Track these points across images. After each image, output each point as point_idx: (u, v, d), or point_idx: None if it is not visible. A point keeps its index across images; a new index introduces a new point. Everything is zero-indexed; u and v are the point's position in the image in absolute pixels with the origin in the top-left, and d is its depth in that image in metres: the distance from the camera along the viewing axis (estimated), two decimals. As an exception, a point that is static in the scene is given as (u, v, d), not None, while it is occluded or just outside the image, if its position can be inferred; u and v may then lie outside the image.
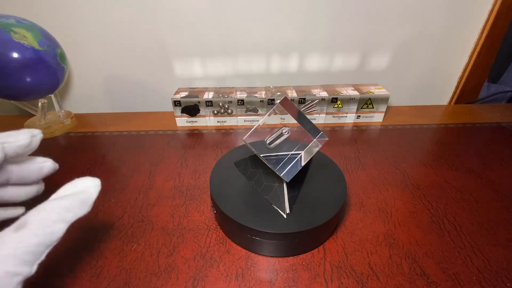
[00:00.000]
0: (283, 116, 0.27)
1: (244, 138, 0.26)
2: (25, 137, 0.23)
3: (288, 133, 0.28)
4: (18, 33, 0.43)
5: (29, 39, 0.44)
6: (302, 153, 0.27)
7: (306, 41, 0.57)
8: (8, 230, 0.17)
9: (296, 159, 0.27)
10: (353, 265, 0.27)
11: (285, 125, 0.28)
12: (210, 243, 0.29)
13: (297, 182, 0.30)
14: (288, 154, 0.27)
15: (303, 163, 0.27)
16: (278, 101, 0.27)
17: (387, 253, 0.28)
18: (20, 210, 0.26)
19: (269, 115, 0.27)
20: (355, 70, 0.62)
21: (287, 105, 0.27)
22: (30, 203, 0.23)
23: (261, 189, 0.29)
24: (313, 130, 0.28)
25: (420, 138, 0.48)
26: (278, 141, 0.28)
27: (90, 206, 0.21)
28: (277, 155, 0.27)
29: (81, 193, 0.20)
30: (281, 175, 0.26)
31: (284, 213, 0.26)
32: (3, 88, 0.43)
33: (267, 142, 0.28)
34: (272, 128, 0.28)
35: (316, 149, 0.28)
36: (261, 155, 0.26)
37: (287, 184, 0.28)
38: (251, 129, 0.27)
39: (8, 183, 0.24)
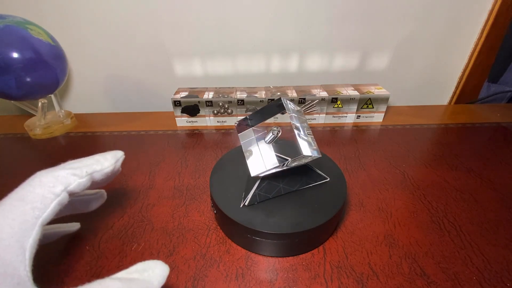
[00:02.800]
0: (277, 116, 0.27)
1: (279, 166, 0.25)
2: (110, 164, 0.22)
3: (279, 132, 0.27)
4: (33, 30, 0.43)
5: (44, 36, 0.45)
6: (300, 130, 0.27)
7: (306, 41, 0.57)
8: None
9: (302, 139, 0.26)
10: (353, 265, 0.27)
11: (277, 125, 0.27)
12: (210, 243, 0.29)
13: (296, 181, 0.30)
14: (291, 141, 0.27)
15: (311, 137, 0.27)
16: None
17: (387, 253, 0.28)
18: (76, 226, 0.27)
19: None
20: (355, 70, 0.62)
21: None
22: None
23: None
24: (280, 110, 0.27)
25: (420, 138, 0.48)
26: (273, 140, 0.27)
27: None
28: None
29: (146, 282, 0.18)
30: (314, 154, 0.25)
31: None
32: (31, 84, 0.44)
33: (267, 142, 0.27)
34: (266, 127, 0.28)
35: (300, 119, 0.27)
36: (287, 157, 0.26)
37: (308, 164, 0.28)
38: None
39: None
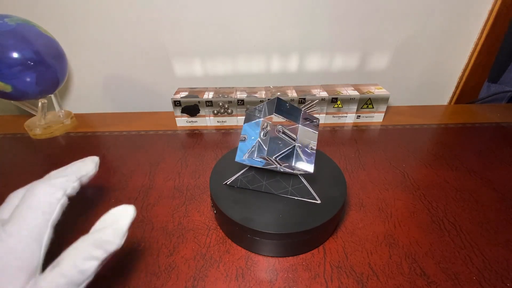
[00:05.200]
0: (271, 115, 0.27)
1: (259, 156, 0.25)
2: (92, 168, 0.25)
3: (268, 126, 0.27)
4: (40, 28, 0.44)
5: (49, 33, 0.45)
6: (305, 143, 0.27)
7: (306, 41, 0.57)
8: (49, 267, 0.19)
9: (304, 151, 0.26)
10: (353, 265, 0.27)
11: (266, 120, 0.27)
12: (210, 243, 0.29)
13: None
14: (293, 149, 0.27)
15: (314, 149, 0.27)
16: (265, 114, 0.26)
17: (387, 253, 0.28)
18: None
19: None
20: (355, 70, 0.62)
21: (280, 109, 0.26)
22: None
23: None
24: (305, 117, 0.27)
25: (420, 138, 0.48)
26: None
27: (122, 237, 0.20)
28: (283, 153, 0.27)
29: (112, 225, 0.21)
30: (307, 169, 0.25)
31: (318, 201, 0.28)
32: (49, 79, 0.45)
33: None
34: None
35: (316, 135, 0.27)
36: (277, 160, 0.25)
37: (304, 177, 0.28)
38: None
39: None
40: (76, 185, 0.23)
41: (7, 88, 0.41)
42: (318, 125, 0.28)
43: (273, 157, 0.25)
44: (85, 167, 0.25)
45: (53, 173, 0.23)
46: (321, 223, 0.26)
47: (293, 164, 0.25)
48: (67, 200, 0.22)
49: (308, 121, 0.27)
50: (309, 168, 0.26)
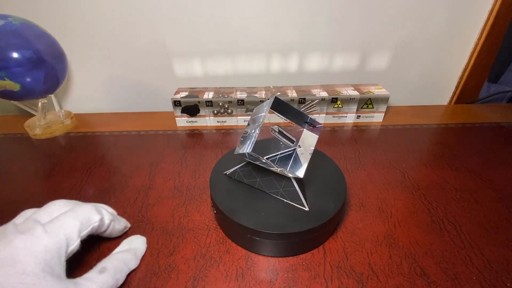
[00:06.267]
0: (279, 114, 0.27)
1: (246, 151, 0.25)
2: (122, 226, 0.29)
3: (277, 130, 0.28)
4: (40, 27, 0.44)
5: (48, 33, 0.45)
6: (303, 147, 0.27)
7: (306, 41, 0.57)
8: (94, 272, 0.22)
9: (300, 153, 0.27)
10: (353, 265, 0.27)
11: (275, 124, 0.28)
12: (210, 243, 0.29)
13: (299, 178, 0.29)
14: (290, 151, 0.27)
15: (309, 155, 0.27)
16: (266, 108, 0.27)
17: (387, 253, 0.28)
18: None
19: (260, 127, 0.27)
20: (355, 70, 0.62)
21: (278, 108, 0.27)
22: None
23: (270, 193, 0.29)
24: (307, 121, 0.28)
25: (420, 138, 0.48)
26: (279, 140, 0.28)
27: (139, 260, 0.27)
28: (277, 155, 0.27)
29: (135, 250, 0.27)
30: (297, 173, 0.26)
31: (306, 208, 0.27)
32: (56, 77, 0.46)
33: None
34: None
35: (315, 139, 0.28)
36: (265, 158, 0.26)
37: (297, 182, 0.28)
38: (252, 138, 0.26)
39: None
40: (107, 223, 0.26)
41: (16, 87, 0.41)
42: (320, 130, 0.28)
43: (264, 157, 0.25)
44: (119, 221, 0.29)
45: (99, 204, 0.28)
46: (321, 223, 0.26)
47: (285, 166, 0.26)
48: (98, 227, 0.25)
49: (312, 126, 0.27)
50: (300, 172, 0.26)
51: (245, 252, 0.28)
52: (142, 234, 0.30)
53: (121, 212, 0.33)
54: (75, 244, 0.22)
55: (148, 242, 0.29)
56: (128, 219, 0.32)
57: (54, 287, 0.19)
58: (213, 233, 0.30)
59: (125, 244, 0.28)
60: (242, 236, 0.27)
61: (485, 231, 0.30)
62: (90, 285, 0.21)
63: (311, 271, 0.26)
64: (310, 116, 0.28)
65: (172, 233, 0.30)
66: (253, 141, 0.25)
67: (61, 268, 0.20)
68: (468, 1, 0.54)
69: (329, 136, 0.49)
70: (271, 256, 0.28)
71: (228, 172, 0.31)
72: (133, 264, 0.26)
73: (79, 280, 0.21)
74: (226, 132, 0.50)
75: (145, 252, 0.28)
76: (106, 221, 0.26)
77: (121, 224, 0.29)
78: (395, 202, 0.34)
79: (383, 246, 0.28)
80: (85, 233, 0.23)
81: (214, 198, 0.28)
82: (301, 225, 0.25)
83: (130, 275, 0.26)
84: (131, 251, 0.27)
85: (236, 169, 0.31)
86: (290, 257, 0.27)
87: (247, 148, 0.25)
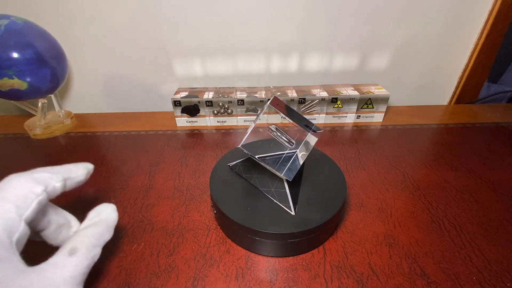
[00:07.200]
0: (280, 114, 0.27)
1: (240, 145, 0.27)
2: (83, 174, 0.24)
3: (276, 130, 0.28)
4: (40, 27, 0.44)
5: (48, 33, 0.45)
6: (298, 149, 0.27)
7: (306, 41, 0.57)
8: (62, 255, 0.19)
9: (294, 156, 0.27)
10: (353, 265, 0.27)
11: (272, 124, 0.28)
12: (210, 243, 0.29)
13: (295, 182, 0.30)
14: (284, 153, 0.27)
15: (301, 160, 0.27)
16: (268, 101, 0.27)
17: (387, 253, 0.28)
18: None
19: (259, 117, 0.27)
20: (355, 70, 0.62)
21: (278, 104, 0.27)
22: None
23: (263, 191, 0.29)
24: (307, 124, 0.28)
25: (420, 138, 0.48)
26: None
27: (113, 230, 0.24)
28: (273, 155, 0.27)
29: (106, 220, 0.24)
30: (282, 174, 0.26)
31: (292, 212, 0.27)
32: (60, 75, 0.46)
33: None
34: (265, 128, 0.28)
35: (313, 143, 0.28)
36: (257, 157, 0.26)
37: (288, 184, 0.28)
38: (248, 129, 0.27)
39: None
40: (59, 186, 0.22)
41: (23, 86, 0.41)
42: (319, 135, 0.28)
43: (258, 153, 0.26)
44: (75, 171, 0.24)
45: (39, 168, 0.22)
46: (321, 223, 0.26)
47: (273, 166, 0.26)
48: (46, 198, 0.21)
49: (312, 130, 0.28)
50: (288, 175, 0.26)
51: (245, 252, 0.28)
52: (142, 234, 0.30)
53: (121, 212, 0.33)
54: (20, 230, 0.18)
55: (148, 242, 0.29)
56: (128, 219, 0.32)
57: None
58: (213, 233, 0.30)
59: (92, 216, 0.24)
60: (242, 236, 0.27)
61: (485, 231, 0.30)
62: (61, 272, 0.18)
63: (311, 271, 0.26)
64: (311, 121, 0.28)
65: (172, 233, 0.30)
66: (246, 136, 0.27)
67: (13, 257, 0.17)
68: (468, 1, 0.54)
69: (329, 136, 0.49)
70: (271, 256, 0.28)
71: (231, 164, 0.32)
72: (107, 236, 0.23)
73: (44, 265, 0.18)
74: (226, 132, 0.50)
75: (145, 252, 0.28)
76: (57, 184, 0.21)
77: (79, 172, 0.24)
78: (395, 202, 0.34)
79: (383, 246, 0.28)
80: (29, 213, 0.19)
81: (214, 198, 0.28)
82: (286, 228, 0.25)
83: (130, 275, 0.26)
84: (101, 222, 0.23)
85: (238, 162, 0.32)
86: (290, 257, 0.27)
87: (240, 143, 0.26)
